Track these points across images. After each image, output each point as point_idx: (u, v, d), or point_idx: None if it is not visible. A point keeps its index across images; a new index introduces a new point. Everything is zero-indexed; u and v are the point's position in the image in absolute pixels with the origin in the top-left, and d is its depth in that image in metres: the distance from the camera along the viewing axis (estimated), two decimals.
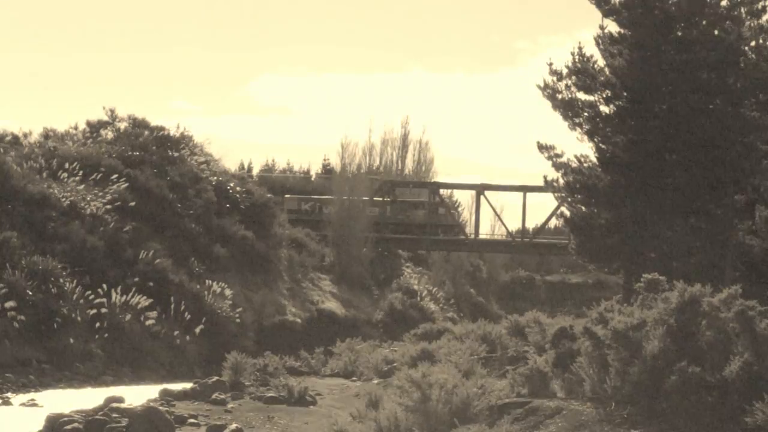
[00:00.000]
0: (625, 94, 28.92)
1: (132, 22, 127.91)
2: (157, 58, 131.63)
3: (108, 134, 48.21)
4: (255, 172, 71.86)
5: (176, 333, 36.83)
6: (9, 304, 31.72)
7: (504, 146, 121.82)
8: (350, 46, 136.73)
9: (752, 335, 16.79)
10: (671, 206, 27.92)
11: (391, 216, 58.65)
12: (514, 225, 67.07)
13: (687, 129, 28.01)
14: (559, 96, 29.24)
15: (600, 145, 29.19)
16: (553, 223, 60.99)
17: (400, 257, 60.79)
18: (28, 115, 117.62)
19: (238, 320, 40.51)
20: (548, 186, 30.18)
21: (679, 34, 28.84)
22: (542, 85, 29.38)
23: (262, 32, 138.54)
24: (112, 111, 49.47)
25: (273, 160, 78.30)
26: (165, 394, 24.82)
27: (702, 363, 16.69)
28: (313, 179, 71.20)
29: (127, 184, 42.08)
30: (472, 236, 59.50)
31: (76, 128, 49.44)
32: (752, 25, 28.29)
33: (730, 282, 22.03)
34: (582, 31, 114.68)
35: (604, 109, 29.32)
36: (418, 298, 54.77)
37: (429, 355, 26.54)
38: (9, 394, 27.16)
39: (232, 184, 49.52)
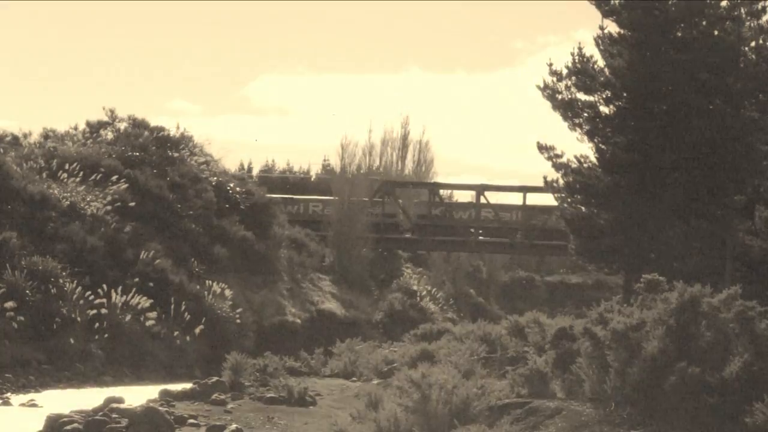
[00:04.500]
0: (625, 94, 28.89)
1: (132, 23, 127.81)
2: (157, 58, 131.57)
3: (108, 134, 48.13)
4: (255, 172, 71.76)
5: (176, 333, 36.79)
6: (9, 304, 31.71)
7: (504, 146, 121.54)
8: (350, 46, 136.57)
9: (752, 336, 16.83)
10: (671, 207, 27.91)
11: (524, 221, 58.86)
12: None
13: (687, 129, 27.99)
14: (559, 96, 29.21)
15: (600, 145, 29.16)
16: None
17: (400, 257, 60.72)
18: (28, 115, 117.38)
19: (238, 321, 40.46)
20: (548, 186, 30.15)
21: (679, 34, 28.81)
22: (542, 85, 29.35)
23: (261, 32, 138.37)
24: (112, 111, 49.40)
25: (273, 161, 78.24)
26: (165, 394, 24.78)
27: (702, 363, 16.71)
28: (312, 179, 71.06)
29: (127, 185, 42.06)
30: None
31: (76, 128, 49.39)
32: (752, 25, 28.26)
33: (730, 282, 22.06)
34: (580, 31, 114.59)
35: (604, 109, 29.30)
36: (418, 299, 54.70)
37: (429, 355, 26.50)
38: (9, 395, 27.15)
39: (231, 185, 49.45)
